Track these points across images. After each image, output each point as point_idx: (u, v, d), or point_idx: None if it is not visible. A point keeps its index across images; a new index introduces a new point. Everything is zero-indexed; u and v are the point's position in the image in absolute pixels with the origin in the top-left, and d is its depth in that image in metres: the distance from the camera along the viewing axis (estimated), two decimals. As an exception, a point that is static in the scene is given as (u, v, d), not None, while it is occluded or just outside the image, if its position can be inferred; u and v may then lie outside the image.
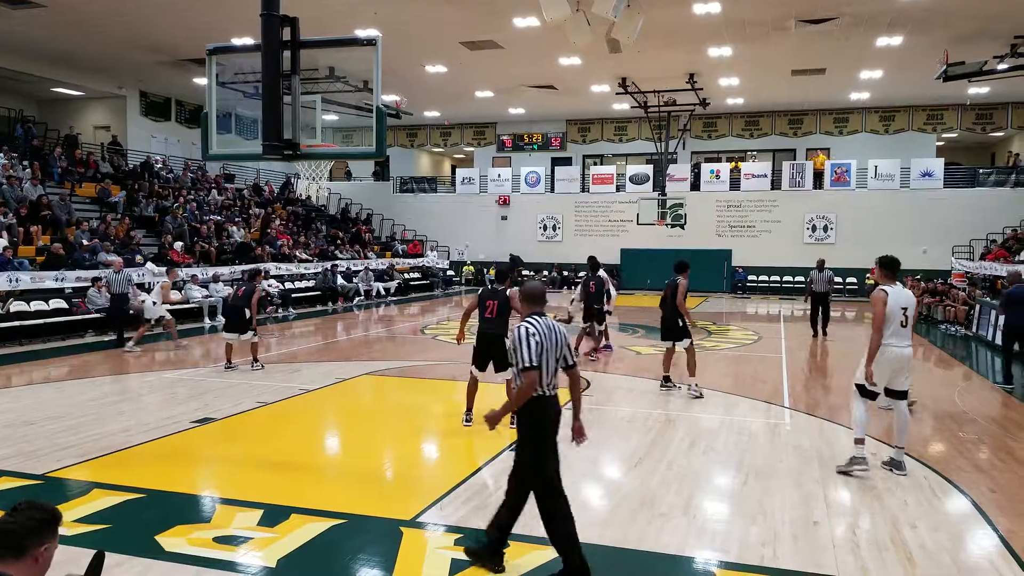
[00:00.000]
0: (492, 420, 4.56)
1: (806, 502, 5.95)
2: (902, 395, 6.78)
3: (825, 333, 16.51)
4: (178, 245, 20.36)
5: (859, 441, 6.71)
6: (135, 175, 24.24)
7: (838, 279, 28.41)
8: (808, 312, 17.28)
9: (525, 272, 30.89)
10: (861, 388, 6.78)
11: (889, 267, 6.86)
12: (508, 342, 5.89)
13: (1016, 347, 11.85)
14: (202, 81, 8.29)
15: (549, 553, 4.69)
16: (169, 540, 5.04)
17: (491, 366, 8.09)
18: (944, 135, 30.39)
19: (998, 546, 5.17)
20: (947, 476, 6.68)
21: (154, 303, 14.74)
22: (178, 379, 11.02)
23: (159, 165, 26.09)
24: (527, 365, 4.38)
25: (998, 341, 13.23)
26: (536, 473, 4.52)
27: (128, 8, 17.64)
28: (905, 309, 6.63)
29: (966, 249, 26.92)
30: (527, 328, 4.48)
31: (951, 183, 28.64)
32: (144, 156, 26.11)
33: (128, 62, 23.17)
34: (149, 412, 8.85)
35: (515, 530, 4.71)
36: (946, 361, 14.01)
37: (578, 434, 4.67)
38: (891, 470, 6.71)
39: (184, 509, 5.74)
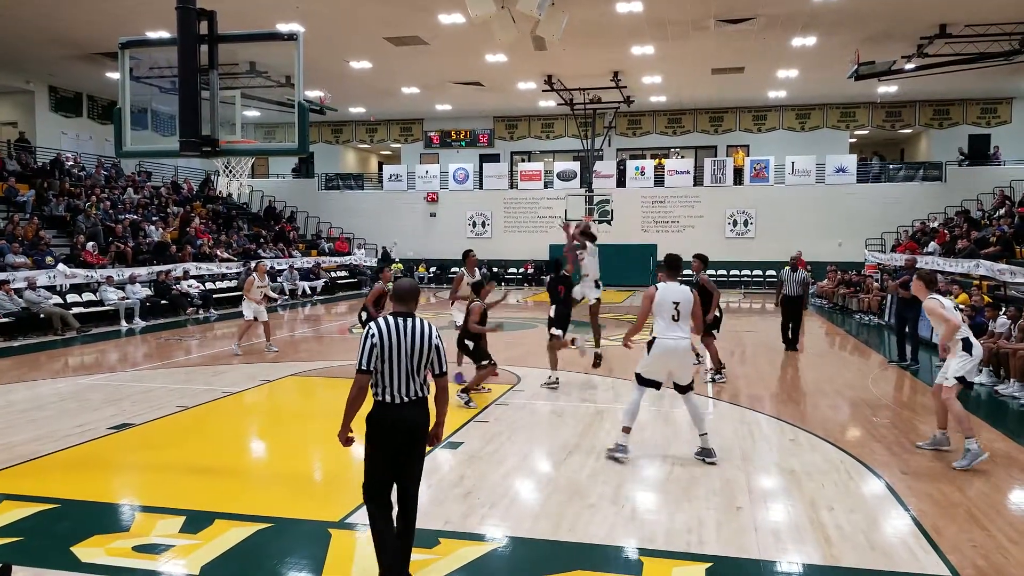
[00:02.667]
0: (339, 433, 4.37)
1: (729, 488, 6.13)
2: (688, 388, 6.96)
3: (796, 347, 13.73)
4: (91, 245, 19.54)
5: (626, 429, 6.92)
6: (44, 173, 23.20)
7: (758, 272, 29.50)
8: (780, 321, 14.14)
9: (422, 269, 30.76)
10: (639, 377, 7.02)
11: (669, 266, 7.13)
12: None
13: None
14: (115, 76, 8.00)
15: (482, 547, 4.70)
16: (86, 551, 4.85)
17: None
18: (856, 132, 31.71)
19: (910, 525, 5.40)
20: (862, 460, 6.96)
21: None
22: (93, 384, 10.59)
23: (70, 163, 25.00)
24: (357, 367, 4.20)
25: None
26: (364, 474, 4.33)
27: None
28: (677, 304, 6.78)
29: (878, 241, 28.17)
30: (368, 329, 4.25)
31: (863, 178, 29.90)
32: (54, 153, 24.98)
33: (36, 55, 22.08)
34: (62, 419, 8.47)
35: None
36: (860, 349, 14.62)
37: (432, 439, 4.40)
38: (703, 460, 6.79)
39: (101, 518, 5.53)
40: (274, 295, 16.15)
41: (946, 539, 5.13)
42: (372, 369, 4.18)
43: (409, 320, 4.29)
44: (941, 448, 7.16)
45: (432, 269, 32.48)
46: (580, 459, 6.94)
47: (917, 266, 13.65)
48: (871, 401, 9.65)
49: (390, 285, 9.61)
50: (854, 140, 32.65)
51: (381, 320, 4.26)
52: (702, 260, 11.05)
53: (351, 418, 4.32)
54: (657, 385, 7.03)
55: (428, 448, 4.43)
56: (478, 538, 5.08)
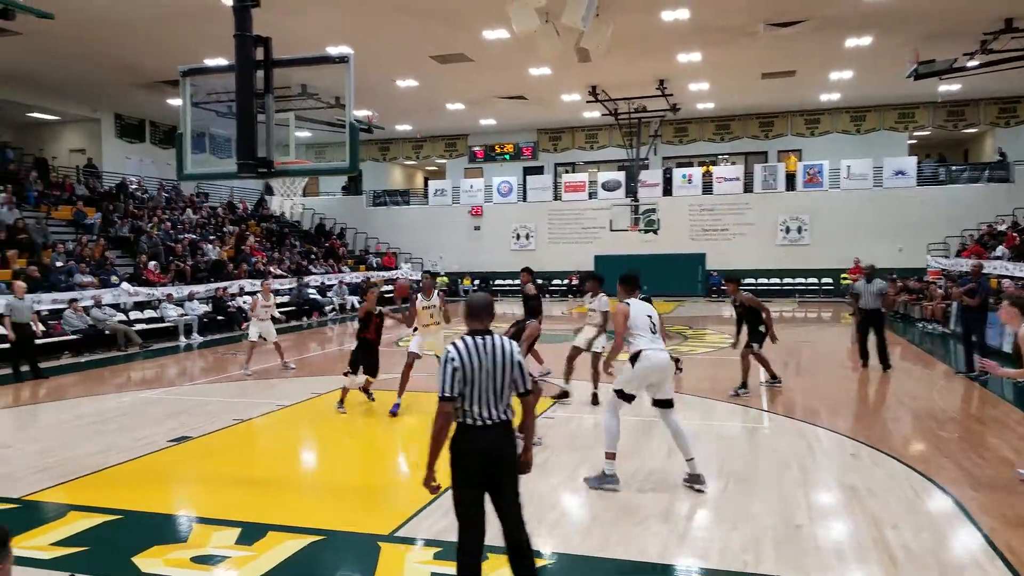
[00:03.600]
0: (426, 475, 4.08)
1: (787, 506, 5.94)
2: (669, 403, 6.49)
3: (886, 364, 12.20)
4: (153, 264, 20.18)
5: (610, 456, 6.43)
6: (110, 196, 24.15)
7: (812, 280, 28.84)
8: (855, 335, 13.28)
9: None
10: (619, 393, 6.54)
11: (626, 283, 6.95)
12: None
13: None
14: (176, 102, 8.25)
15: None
16: (146, 561, 4.97)
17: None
18: (916, 133, 30.67)
19: (982, 545, 5.15)
20: (928, 475, 6.67)
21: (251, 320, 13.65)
22: (154, 398, 10.89)
23: (134, 186, 26.00)
24: (439, 394, 3.94)
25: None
26: (457, 514, 4.04)
27: (102, 33, 17.56)
28: (650, 316, 6.62)
29: (941, 246, 27.21)
30: (447, 352, 4.00)
31: (924, 181, 28.94)
32: (119, 178, 26.00)
33: (102, 86, 23.10)
34: (125, 432, 8.73)
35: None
36: (925, 359, 14.13)
37: (523, 467, 4.16)
38: (691, 487, 6.33)
39: (161, 529, 5.67)
40: (279, 315, 16.21)
41: (1021, 558, 4.89)
42: (458, 395, 3.93)
43: (488, 338, 4.04)
44: None
45: (477, 282, 32.58)
46: (629, 474, 6.82)
47: (983, 272, 13.12)
48: (937, 414, 9.28)
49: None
50: (913, 142, 31.64)
51: (459, 341, 4.01)
52: (734, 281, 10.78)
53: (438, 454, 4.00)
54: (631, 399, 6.58)
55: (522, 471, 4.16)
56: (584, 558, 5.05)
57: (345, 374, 9.79)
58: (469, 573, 4.01)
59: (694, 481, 6.36)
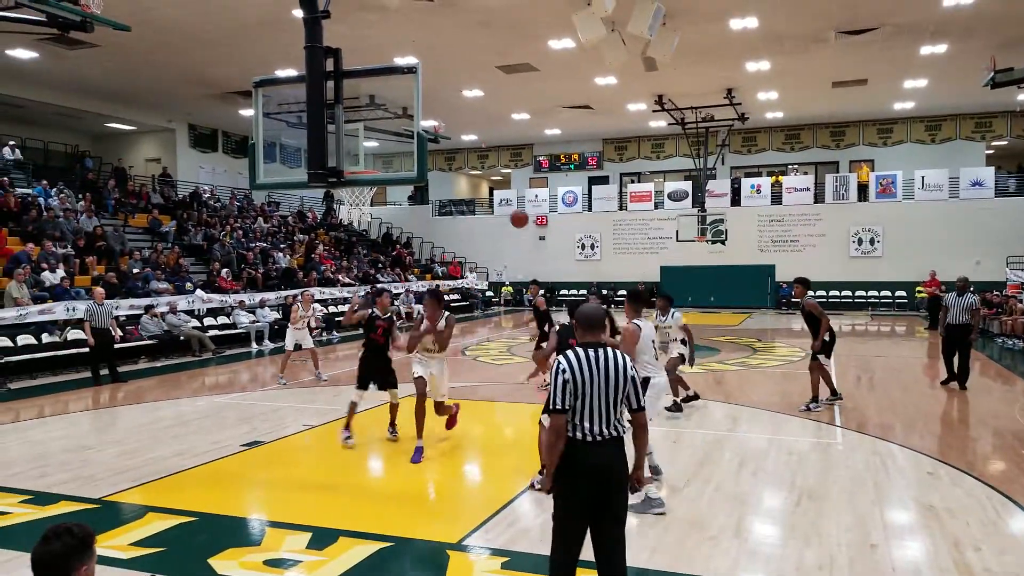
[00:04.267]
0: (542, 483, 4.08)
1: (862, 524, 5.79)
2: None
3: (964, 385, 11.72)
4: (225, 272, 20.79)
5: (650, 480, 6.28)
6: (184, 205, 24.99)
7: (886, 293, 27.97)
8: (940, 349, 12.68)
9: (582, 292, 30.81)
10: None
11: (637, 301, 6.71)
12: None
13: None
14: (248, 113, 8.49)
15: None
16: (221, 563, 5.10)
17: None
18: (994, 143, 29.65)
19: (1067, 568, 4.95)
20: (1011, 496, 6.43)
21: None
22: (228, 403, 11.21)
23: (207, 195, 26.84)
24: (550, 407, 3.85)
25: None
26: (554, 528, 3.94)
27: (177, 45, 18.28)
28: (653, 341, 6.87)
29: (1021, 259, 26.10)
30: (559, 362, 3.88)
31: (1003, 192, 27.88)
32: (193, 186, 26.92)
33: (177, 96, 24.00)
34: (200, 436, 9.02)
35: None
36: (1005, 376, 13.58)
37: (634, 483, 4.09)
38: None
39: (235, 532, 5.83)
40: (315, 325, 16.22)
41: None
42: (568, 408, 3.81)
43: (601, 351, 3.90)
44: None
45: (541, 292, 32.49)
46: (699, 488, 6.74)
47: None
48: (1019, 432, 8.90)
49: (393, 311, 8.87)
50: (991, 152, 30.54)
51: (571, 353, 3.88)
52: (804, 284, 10.50)
53: (555, 465, 3.87)
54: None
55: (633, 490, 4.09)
56: (594, 567, 5.01)
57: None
58: None
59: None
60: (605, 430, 3.84)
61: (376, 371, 8.60)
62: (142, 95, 23.81)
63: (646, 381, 6.42)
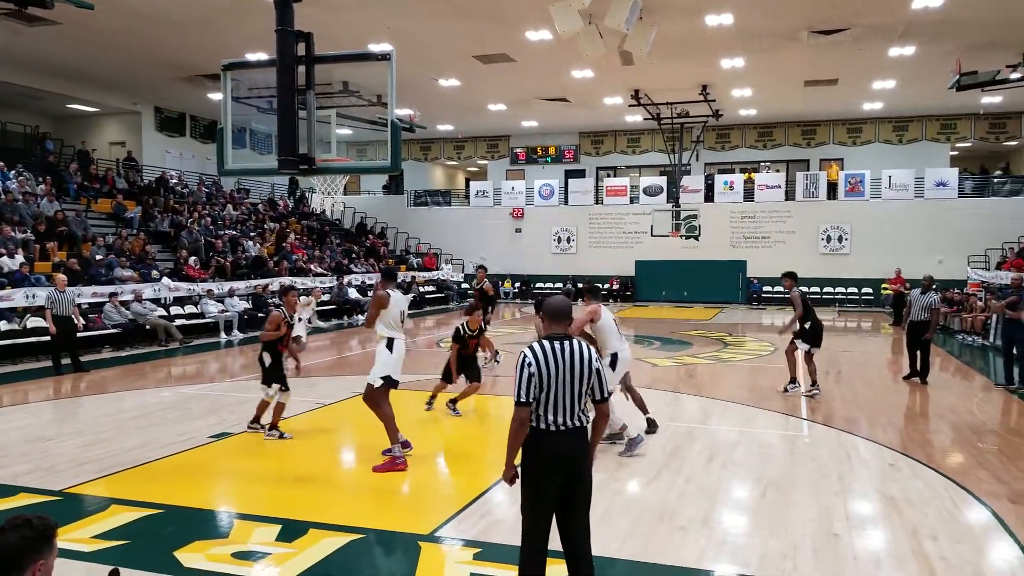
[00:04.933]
0: (504, 473, 4.12)
1: (826, 514, 5.90)
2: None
3: (925, 380, 12.04)
4: (193, 260, 20.50)
5: (623, 428, 7.69)
6: (150, 190, 24.47)
7: (853, 289, 28.39)
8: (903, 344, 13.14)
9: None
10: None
11: (592, 293, 7.91)
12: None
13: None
14: (217, 96, 8.35)
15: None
16: (187, 556, 5.05)
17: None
18: (958, 144, 30.20)
19: (1020, 557, 5.11)
20: (967, 487, 6.60)
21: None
22: (195, 394, 11.07)
23: (174, 180, 26.32)
24: (515, 399, 3.88)
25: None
26: (524, 518, 4.02)
27: (142, 25, 17.84)
28: (615, 319, 7.75)
29: (982, 259, 26.68)
30: (523, 355, 3.91)
31: (965, 192, 28.44)
32: (159, 171, 26.36)
33: (143, 78, 23.40)
34: (166, 427, 8.90)
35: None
36: (964, 371, 13.86)
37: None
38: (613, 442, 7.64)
39: (202, 525, 5.76)
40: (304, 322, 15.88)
41: (1064, 575, 4.80)
42: (532, 400, 3.86)
43: (566, 343, 3.94)
44: None
45: (517, 285, 32.65)
46: (669, 479, 6.81)
47: None
48: (976, 426, 9.13)
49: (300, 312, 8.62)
50: (955, 153, 31.13)
51: (536, 345, 3.93)
52: (792, 277, 11.34)
53: (515, 455, 3.99)
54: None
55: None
56: (561, 556, 5.03)
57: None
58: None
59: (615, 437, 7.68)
60: (569, 421, 3.90)
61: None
62: (106, 76, 23.12)
63: (615, 356, 7.16)
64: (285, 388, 8.48)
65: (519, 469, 4.03)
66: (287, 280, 21.57)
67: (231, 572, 4.83)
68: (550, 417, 3.88)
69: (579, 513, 3.99)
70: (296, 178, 29.57)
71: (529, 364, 3.86)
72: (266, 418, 8.54)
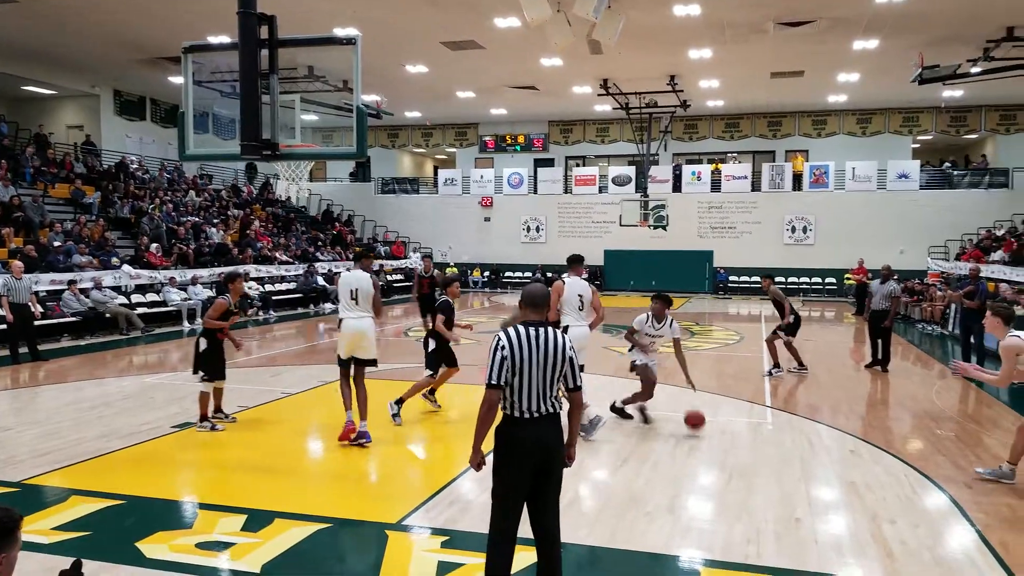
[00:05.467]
0: (471, 458, 4.08)
1: (788, 500, 6.00)
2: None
3: (886, 368, 12.29)
4: (154, 247, 20.13)
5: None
6: (110, 176, 23.90)
7: (817, 279, 28.84)
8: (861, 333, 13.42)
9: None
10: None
11: (572, 262, 8.26)
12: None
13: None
14: (178, 80, 8.19)
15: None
16: (150, 547, 4.97)
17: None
18: (919, 137, 30.79)
19: (976, 541, 5.24)
20: (925, 472, 6.76)
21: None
22: (157, 383, 10.89)
23: (134, 165, 25.75)
24: (486, 381, 3.88)
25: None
26: (493, 504, 4.02)
27: (102, 5, 17.35)
28: (581, 296, 7.83)
29: (942, 249, 27.28)
30: (497, 339, 3.93)
31: (927, 185, 29.02)
32: (119, 156, 25.75)
33: (102, 60, 22.77)
34: (128, 417, 8.75)
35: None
36: (924, 360, 14.17)
37: (567, 460, 4.14)
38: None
39: (165, 515, 5.68)
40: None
41: (1014, 555, 4.96)
42: (503, 383, 3.87)
43: (541, 330, 3.95)
44: (1003, 481, 6.52)
45: (486, 274, 32.61)
46: (635, 466, 6.87)
47: (981, 275, 13.18)
48: (935, 413, 9.35)
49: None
50: (917, 146, 31.72)
51: (511, 330, 3.93)
52: (769, 278, 12.43)
53: (482, 439, 3.99)
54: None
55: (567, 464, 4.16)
56: (534, 543, 5.05)
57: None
58: (500, 566, 3.95)
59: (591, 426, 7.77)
60: (542, 406, 3.91)
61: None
62: (63, 57, 22.43)
63: (565, 329, 7.11)
64: (221, 377, 8.34)
65: (489, 456, 4.02)
66: (242, 268, 21.32)
67: (195, 563, 4.77)
68: (524, 404, 3.88)
69: (551, 500, 4.01)
70: (255, 164, 29.09)
71: (503, 347, 3.86)
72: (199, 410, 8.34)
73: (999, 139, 29.16)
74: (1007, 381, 6.54)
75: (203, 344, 8.24)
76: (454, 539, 5.11)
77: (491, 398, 3.88)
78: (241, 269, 21.03)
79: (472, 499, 5.93)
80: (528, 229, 32.76)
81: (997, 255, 21.51)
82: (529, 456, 3.89)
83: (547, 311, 4.18)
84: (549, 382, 3.92)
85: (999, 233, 24.58)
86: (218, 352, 8.33)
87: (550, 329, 4.00)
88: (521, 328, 3.95)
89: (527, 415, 3.89)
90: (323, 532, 5.26)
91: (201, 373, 8.24)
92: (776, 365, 11.75)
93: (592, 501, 6.02)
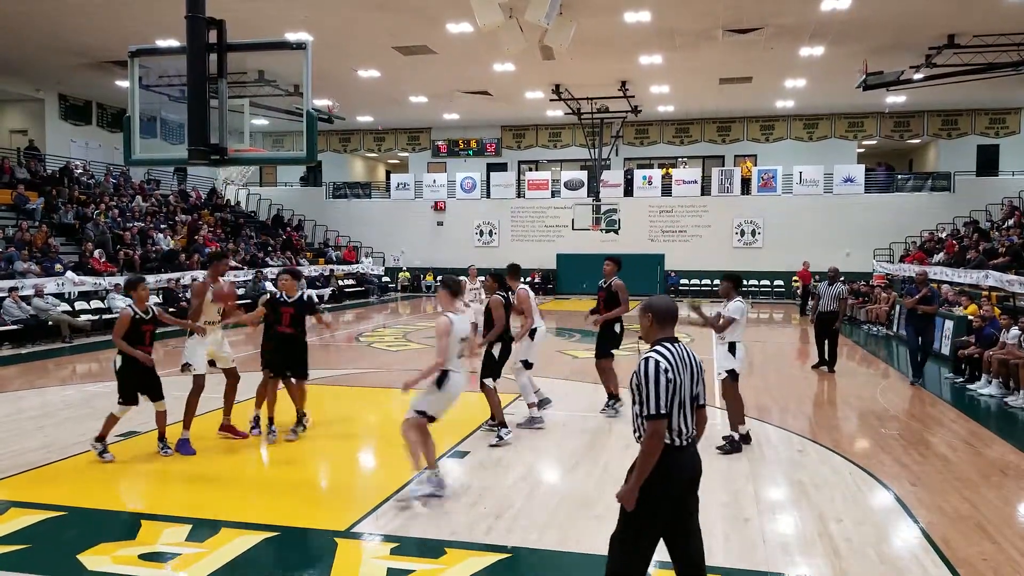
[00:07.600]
0: (624, 496, 3.54)
1: (737, 500, 6.09)
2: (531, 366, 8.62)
3: (832, 368, 12.55)
4: (99, 253, 19.62)
5: (531, 405, 8.46)
6: (54, 181, 23.26)
7: (765, 282, 29.41)
8: (808, 335, 13.41)
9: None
10: (525, 363, 8.59)
11: (514, 273, 9.05)
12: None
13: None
14: (125, 84, 8.01)
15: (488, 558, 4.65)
16: (92, 559, 4.85)
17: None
18: (864, 142, 31.62)
19: (919, 538, 5.37)
20: (871, 471, 6.91)
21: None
22: (100, 392, 10.59)
23: (79, 171, 25.09)
24: (652, 412, 3.45)
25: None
26: (621, 549, 3.61)
27: (45, 8, 16.92)
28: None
29: (886, 252, 28.05)
30: (656, 362, 3.51)
31: (871, 188, 29.84)
32: (63, 161, 25.06)
33: (46, 63, 22.18)
34: (70, 427, 8.50)
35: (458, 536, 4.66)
36: (869, 360, 14.53)
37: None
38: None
39: (107, 526, 5.54)
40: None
41: (956, 552, 5.09)
42: (669, 412, 3.48)
43: (679, 346, 3.66)
44: None
45: (439, 278, 32.44)
46: (587, 469, 6.92)
47: (929, 278, 13.50)
48: (880, 413, 9.59)
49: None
50: (862, 150, 32.58)
51: (663, 350, 3.58)
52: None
53: (646, 475, 3.47)
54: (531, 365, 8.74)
55: None
56: (485, 548, 5.05)
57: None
58: None
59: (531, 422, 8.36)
60: (691, 430, 3.64)
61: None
62: (6, 60, 21.77)
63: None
64: (133, 402, 7.29)
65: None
66: (194, 275, 20.87)
67: (138, 574, 4.66)
68: (681, 429, 3.55)
69: (696, 523, 3.75)
70: (186, 168, 28.28)
71: (666, 370, 3.49)
72: (115, 431, 7.43)
73: (941, 143, 30.09)
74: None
75: (118, 363, 7.23)
76: (403, 545, 5.08)
77: (660, 430, 3.46)
78: (192, 275, 20.62)
79: (422, 505, 5.89)
80: (481, 233, 32.76)
81: (939, 257, 22.18)
82: (688, 485, 3.63)
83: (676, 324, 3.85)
84: (692, 401, 3.65)
85: (942, 235, 25.31)
86: (134, 371, 7.19)
87: (684, 344, 3.75)
88: (671, 346, 3.64)
89: (678, 442, 3.56)
90: (270, 541, 5.18)
91: (118, 397, 7.22)
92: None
93: (544, 504, 6.03)
